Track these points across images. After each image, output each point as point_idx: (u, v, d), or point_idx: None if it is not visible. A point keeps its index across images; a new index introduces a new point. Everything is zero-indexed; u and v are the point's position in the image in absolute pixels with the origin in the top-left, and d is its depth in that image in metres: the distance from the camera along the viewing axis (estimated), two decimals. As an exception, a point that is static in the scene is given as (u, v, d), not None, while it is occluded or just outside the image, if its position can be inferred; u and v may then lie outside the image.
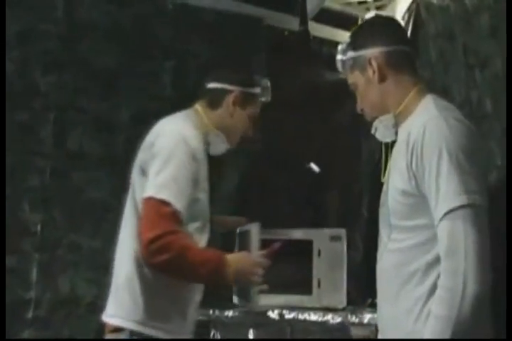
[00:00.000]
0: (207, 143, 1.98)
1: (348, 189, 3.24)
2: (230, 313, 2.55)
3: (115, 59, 2.97)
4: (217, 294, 2.38)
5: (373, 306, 2.40)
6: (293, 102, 3.14)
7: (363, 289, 2.80)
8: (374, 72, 1.70)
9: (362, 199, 3.23)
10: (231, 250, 2.42)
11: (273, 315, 2.50)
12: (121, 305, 1.89)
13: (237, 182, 3.11)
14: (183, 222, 1.79)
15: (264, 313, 2.51)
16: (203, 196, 1.91)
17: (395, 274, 1.63)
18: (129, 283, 1.87)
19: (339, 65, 1.78)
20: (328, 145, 3.24)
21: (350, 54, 1.74)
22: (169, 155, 1.83)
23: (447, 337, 1.46)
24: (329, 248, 2.63)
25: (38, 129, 2.84)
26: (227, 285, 1.95)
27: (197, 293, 1.97)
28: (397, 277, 1.62)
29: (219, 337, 2.60)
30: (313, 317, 2.47)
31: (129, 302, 1.87)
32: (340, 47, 1.81)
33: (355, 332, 2.41)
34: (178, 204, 1.78)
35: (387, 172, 1.72)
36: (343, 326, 2.44)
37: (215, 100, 2.04)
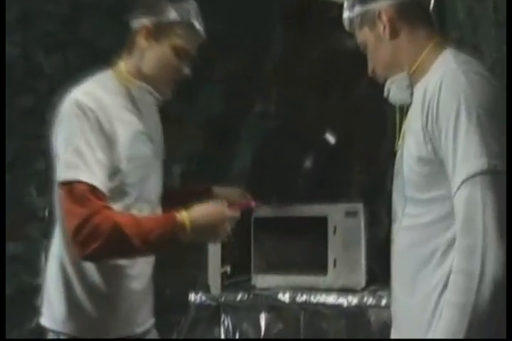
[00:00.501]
0: (132, 99, 1.67)
1: (373, 163, 2.91)
2: (238, 297, 2.26)
3: (119, 38, 2.72)
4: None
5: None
6: (311, 74, 2.89)
7: (386, 267, 2.47)
8: (384, 27, 1.51)
9: (387, 173, 2.88)
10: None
11: (283, 297, 2.20)
12: (47, 304, 1.67)
13: (250, 158, 2.89)
14: (106, 197, 1.53)
15: (274, 296, 2.20)
16: (131, 165, 1.61)
17: (410, 255, 1.45)
18: (51, 279, 1.66)
19: (346, 24, 1.60)
20: (351, 117, 2.94)
21: (358, 9, 1.54)
22: (66, 128, 1.57)
23: (463, 327, 1.26)
24: (345, 224, 2.37)
25: (43, 112, 2.61)
26: (189, 245, 1.61)
27: (134, 280, 1.67)
28: (413, 259, 1.43)
29: (229, 322, 2.30)
30: (328, 299, 2.18)
31: (52, 300, 1.65)
32: (346, 3, 1.60)
33: (373, 316, 2.09)
34: (92, 178, 1.51)
35: (400, 138, 1.53)
36: (359, 309, 2.13)
37: (128, 44, 1.71)
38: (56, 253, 1.63)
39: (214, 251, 2.25)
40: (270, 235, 2.48)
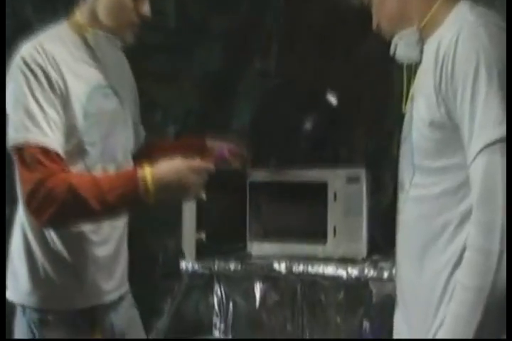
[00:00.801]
0: (89, 49, 1.51)
1: (378, 125, 2.69)
2: (232, 266, 2.06)
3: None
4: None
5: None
6: (313, 30, 2.67)
7: (389, 236, 2.28)
8: None
9: (393, 137, 2.65)
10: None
11: (279, 267, 2.00)
12: (11, 276, 1.54)
13: (248, 117, 2.69)
14: (62, 158, 1.39)
15: (270, 265, 2.01)
16: (89, 122, 1.46)
17: (418, 229, 1.32)
18: (15, 249, 1.53)
19: None
20: (355, 77, 2.70)
21: None
22: (13, 88, 1.41)
23: (479, 312, 1.13)
24: (346, 191, 2.18)
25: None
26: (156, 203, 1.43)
27: (99, 246, 1.53)
28: (422, 232, 1.31)
29: (223, 292, 2.12)
30: (326, 270, 1.98)
31: (16, 271, 1.52)
32: None
33: (375, 289, 1.90)
34: (43, 139, 1.37)
35: (408, 100, 1.39)
36: (360, 281, 1.94)
37: None
38: (18, 222, 1.51)
39: (187, 216, 2.05)
40: (267, 200, 2.29)
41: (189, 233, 2.06)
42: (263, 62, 2.71)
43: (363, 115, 2.69)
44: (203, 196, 1.43)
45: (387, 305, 1.95)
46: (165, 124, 2.65)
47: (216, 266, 2.19)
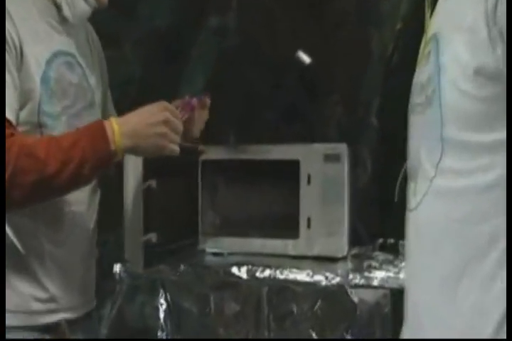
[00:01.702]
0: (57, 12, 1.25)
1: (353, 93, 2.14)
2: (180, 268, 1.46)
3: None
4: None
5: (385, 249, 1.75)
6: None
7: (370, 225, 1.73)
8: None
9: (371, 105, 2.06)
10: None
11: (239, 271, 1.40)
12: None
13: (202, 84, 2.13)
14: (11, 122, 1.12)
15: (227, 268, 1.41)
16: (48, 89, 1.20)
17: (450, 240, 0.85)
18: None
19: None
20: (327, 38, 2.18)
21: None
22: None
23: None
24: (323, 171, 1.61)
25: None
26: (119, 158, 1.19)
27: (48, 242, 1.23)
28: (455, 246, 0.84)
29: (170, 300, 1.52)
30: (298, 272, 1.37)
31: None
32: None
33: (361, 297, 1.33)
34: None
35: (425, 41, 0.94)
36: (342, 288, 1.33)
37: None
38: None
39: (133, 212, 1.41)
40: (224, 184, 1.74)
41: (134, 234, 1.44)
42: (220, 19, 2.19)
43: (336, 81, 2.15)
44: (177, 150, 1.19)
45: (376, 318, 1.41)
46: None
47: (161, 269, 1.57)
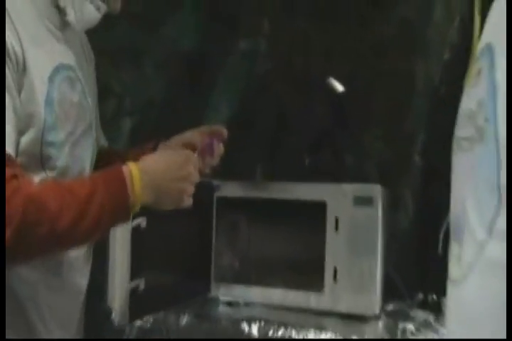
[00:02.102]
0: (60, 11, 1.01)
1: (394, 127, 1.87)
2: (183, 320, 1.24)
3: None
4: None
5: (426, 307, 1.49)
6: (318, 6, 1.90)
7: (409, 277, 1.49)
8: None
9: (414, 142, 1.81)
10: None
11: (249, 328, 1.17)
12: None
13: (229, 111, 1.91)
14: (11, 158, 0.89)
15: (235, 324, 1.19)
16: (52, 112, 0.97)
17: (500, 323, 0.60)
18: None
19: None
20: (367, 66, 1.93)
21: None
22: None
23: None
24: (353, 216, 1.40)
25: None
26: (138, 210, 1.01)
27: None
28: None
29: None
30: (321, 333, 1.13)
31: None
32: None
33: None
34: None
35: (473, 57, 0.74)
36: None
37: None
38: None
39: (118, 254, 1.20)
40: (241, 224, 1.52)
41: (120, 280, 1.23)
42: (250, 42, 1.98)
43: (376, 112, 1.89)
44: (191, 202, 1.07)
45: None
46: (118, 116, 1.84)
47: (164, 318, 1.35)
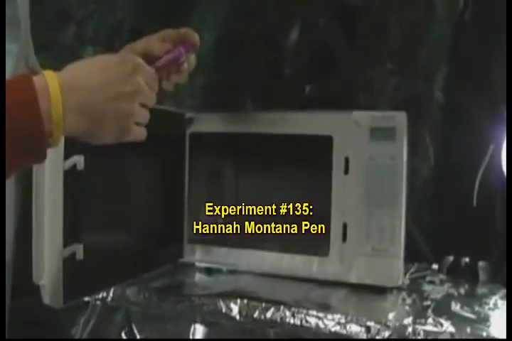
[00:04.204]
0: None
1: (412, 58, 1.42)
2: (145, 296, 0.83)
3: None
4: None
5: (457, 273, 1.12)
6: None
7: (435, 237, 1.09)
8: None
9: (435, 73, 1.39)
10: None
11: (227, 307, 0.77)
12: None
13: (214, 34, 1.49)
14: None
15: (213, 300, 0.78)
16: None
17: None
18: None
19: None
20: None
21: None
22: None
23: None
24: (369, 155, 1.02)
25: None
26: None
27: None
28: None
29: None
30: (321, 322, 0.72)
31: None
32: None
33: None
34: None
35: None
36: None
37: None
38: None
39: (47, 208, 0.78)
40: (221, 171, 1.04)
41: (50, 248, 0.81)
42: None
43: (390, 42, 1.45)
44: (145, 135, 0.71)
45: None
46: (78, 45, 1.44)
47: (115, 293, 0.95)
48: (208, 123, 1.13)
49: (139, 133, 0.71)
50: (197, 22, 1.59)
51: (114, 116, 0.66)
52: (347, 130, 1.03)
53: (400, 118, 1.01)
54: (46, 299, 0.81)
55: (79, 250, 0.82)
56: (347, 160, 1.04)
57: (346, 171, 1.04)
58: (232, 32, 1.52)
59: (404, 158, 1.01)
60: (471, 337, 0.82)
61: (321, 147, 1.05)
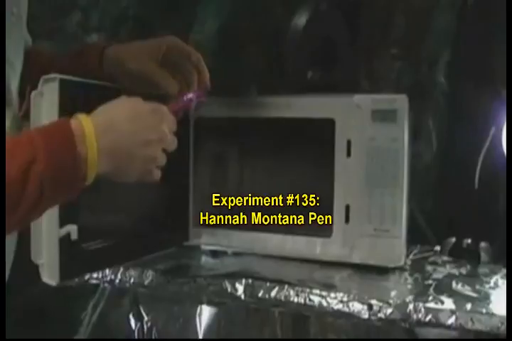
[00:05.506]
0: None
1: (415, 40, 1.41)
2: (148, 278, 0.83)
3: None
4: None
5: (458, 254, 1.12)
6: None
7: (437, 219, 1.09)
8: None
9: (438, 57, 1.39)
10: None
11: (232, 286, 0.77)
12: None
13: (218, 22, 1.49)
14: None
15: (218, 281, 0.78)
16: None
17: None
18: None
19: None
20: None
21: None
22: None
23: None
24: (371, 136, 1.03)
25: None
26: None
27: None
28: None
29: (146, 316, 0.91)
30: (325, 300, 0.73)
31: None
32: None
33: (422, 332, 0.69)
34: None
35: None
36: (396, 327, 0.68)
37: None
38: None
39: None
40: (226, 155, 1.03)
41: (47, 228, 0.82)
42: None
43: (394, 25, 1.44)
44: (159, 177, 0.75)
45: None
46: (83, 32, 1.43)
47: (131, 279, 0.96)
48: (212, 108, 1.13)
49: (157, 176, 0.75)
50: (201, 9, 1.59)
51: (140, 160, 0.70)
52: (349, 113, 1.03)
53: (400, 101, 1.01)
54: (44, 277, 0.82)
55: (73, 230, 0.83)
56: (349, 143, 1.04)
57: (348, 154, 1.04)
58: (237, 18, 1.52)
59: (405, 140, 1.01)
60: (470, 314, 0.82)
61: (323, 130, 1.05)
